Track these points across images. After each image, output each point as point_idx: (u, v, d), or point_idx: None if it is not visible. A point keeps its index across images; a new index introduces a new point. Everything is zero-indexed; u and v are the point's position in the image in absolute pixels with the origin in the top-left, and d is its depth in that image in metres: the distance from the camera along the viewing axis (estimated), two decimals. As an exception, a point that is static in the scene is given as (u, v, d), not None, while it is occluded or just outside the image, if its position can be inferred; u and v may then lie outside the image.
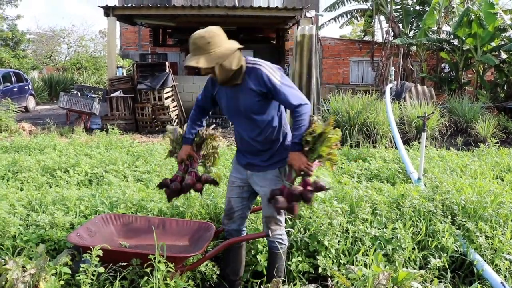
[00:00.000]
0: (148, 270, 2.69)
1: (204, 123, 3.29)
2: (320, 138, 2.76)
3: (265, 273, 3.24)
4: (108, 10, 12.09)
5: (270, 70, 2.78)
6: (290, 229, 3.50)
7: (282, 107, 2.93)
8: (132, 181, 5.12)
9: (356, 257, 3.29)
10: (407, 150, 6.58)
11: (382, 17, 19.12)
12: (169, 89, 11.98)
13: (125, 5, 13.46)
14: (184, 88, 12.86)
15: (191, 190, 3.30)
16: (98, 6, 12.02)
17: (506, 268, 3.34)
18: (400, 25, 17.45)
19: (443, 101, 12.10)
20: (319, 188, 2.81)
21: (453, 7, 15.91)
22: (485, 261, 3.35)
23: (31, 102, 17.35)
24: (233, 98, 2.85)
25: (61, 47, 35.02)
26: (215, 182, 3.33)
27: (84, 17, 77.96)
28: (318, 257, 3.29)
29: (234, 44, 2.76)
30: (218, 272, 3.32)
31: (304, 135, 2.75)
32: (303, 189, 2.78)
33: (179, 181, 3.24)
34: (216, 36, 2.68)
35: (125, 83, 12.04)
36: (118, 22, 13.78)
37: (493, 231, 3.64)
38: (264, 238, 3.19)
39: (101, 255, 2.65)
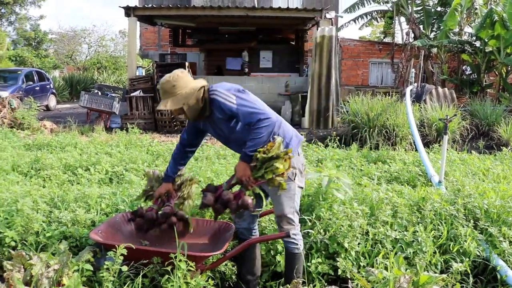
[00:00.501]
0: (169, 268, 2.71)
1: (187, 163, 3.35)
2: (269, 161, 2.75)
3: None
4: (129, 11, 12.22)
5: (224, 96, 2.81)
6: (310, 230, 3.50)
7: None
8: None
9: (376, 260, 3.26)
10: (427, 153, 6.51)
11: (403, 19, 18.96)
12: (188, 89, 12.01)
13: (146, 6, 13.57)
14: (203, 88, 12.90)
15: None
16: (119, 7, 12.16)
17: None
18: (421, 26, 17.27)
19: (464, 104, 11.95)
20: (243, 205, 2.83)
21: (476, 8, 15.69)
22: (509, 266, 3.29)
23: (52, 101, 17.61)
24: (217, 128, 2.98)
25: (81, 47, 35.58)
26: (187, 223, 3.27)
27: (104, 18, 78.92)
28: (338, 259, 3.27)
29: (199, 83, 2.90)
30: (237, 272, 3.33)
31: (258, 151, 2.75)
32: (231, 198, 2.84)
33: (155, 213, 3.22)
34: (180, 79, 2.85)
35: (145, 83, 12.15)
36: (138, 22, 13.91)
37: (517, 236, 3.57)
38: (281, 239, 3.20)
39: (124, 253, 2.67)
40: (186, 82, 2.87)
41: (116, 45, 36.03)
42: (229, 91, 2.85)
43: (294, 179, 2.97)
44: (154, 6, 12.92)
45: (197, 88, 2.86)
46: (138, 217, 3.23)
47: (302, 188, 3.10)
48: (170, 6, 12.70)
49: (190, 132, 3.20)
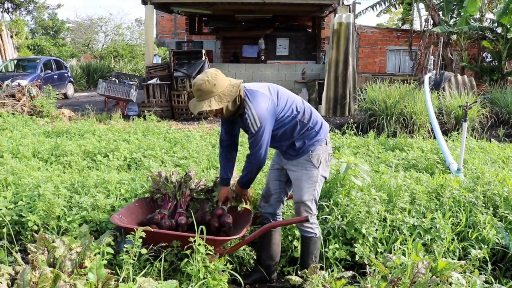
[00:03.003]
0: (188, 252, 2.74)
1: (235, 162, 3.31)
2: None
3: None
4: (146, -2, 12.23)
5: (251, 117, 2.79)
6: (328, 216, 3.50)
7: (297, 114, 3.05)
8: (171, 166, 5.20)
9: (393, 246, 3.26)
10: (445, 141, 6.43)
11: (422, 5, 18.64)
12: (205, 76, 12.02)
13: (162, -7, 13.57)
14: (219, 76, 12.90)
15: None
16: (136, -6, 12.18)
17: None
18: (440, 12, 16.94)
19: (484, 92, 11.74)
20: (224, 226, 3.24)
21: (498, -6, 15.34)
22: (528, 254, 3.27)
23: (70, 89, 17.76)
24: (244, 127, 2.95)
25: (98, 35, 35.84)
26: (191, 232, 3.00)
27: (120, 6, 79.20)
28: (355, 245, 3.28)
29: (234, 81, 2.84)
30: (255, 257, 3.36)
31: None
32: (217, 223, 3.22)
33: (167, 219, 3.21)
34: (218, 78, 2.76)
35: (162, 71, 12.18)
36: (155, 10, 13.92)
37: (538, 224, 3.53)
38: (295, 225, 3.22)
39: (144, 236, 2.71)
40: (223, 80, 2.78)
41: (132, 34, 36.26)
42: (261, 113, 2.79)
43: (318, 167, 2.99)
44: (171, -7, 12.92)
45: (238, 84, 2.80)
46: (151, 224, 3.13)
47: (325, 178, 3.11)
48: (187, -7, 12.70)
49: (227, 129, 3.12)
